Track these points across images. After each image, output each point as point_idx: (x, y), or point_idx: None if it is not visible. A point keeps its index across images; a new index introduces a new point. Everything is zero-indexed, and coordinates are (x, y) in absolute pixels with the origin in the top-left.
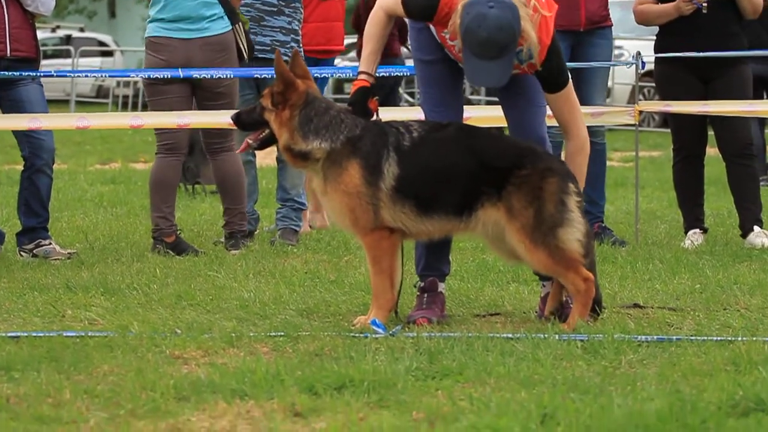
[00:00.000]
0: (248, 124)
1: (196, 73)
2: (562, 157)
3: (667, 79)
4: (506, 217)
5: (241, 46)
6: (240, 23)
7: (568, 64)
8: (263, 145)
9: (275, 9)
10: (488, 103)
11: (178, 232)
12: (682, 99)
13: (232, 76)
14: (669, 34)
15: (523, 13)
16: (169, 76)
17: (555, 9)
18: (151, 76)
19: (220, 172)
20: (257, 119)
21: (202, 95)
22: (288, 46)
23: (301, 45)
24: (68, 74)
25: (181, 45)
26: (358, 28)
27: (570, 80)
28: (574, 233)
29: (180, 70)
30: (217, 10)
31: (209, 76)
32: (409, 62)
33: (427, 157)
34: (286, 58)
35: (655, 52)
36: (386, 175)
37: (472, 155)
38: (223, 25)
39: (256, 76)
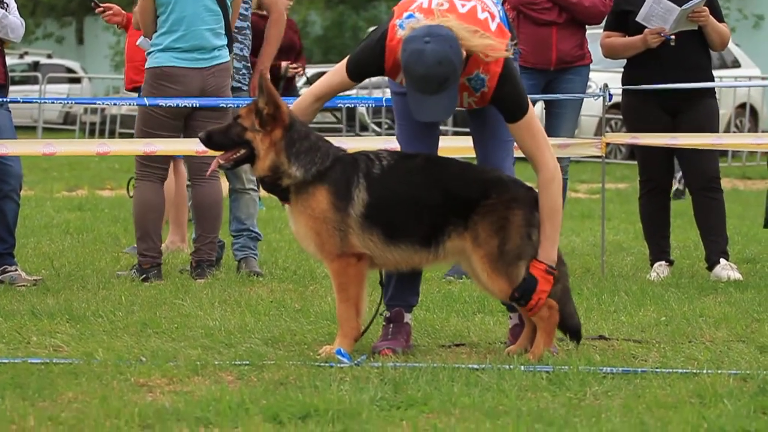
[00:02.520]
0: (223, 144)
1: (181, 102)
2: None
3: (634, 111)
4: (472, 245)
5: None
6: (232, 53)
7: (535, 96)
8: (237, 164)
9: None
10: (456, 133)
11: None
12: (649, 132)
13: (228, 105)
14: (636, 67)
15: (466, 35)
16: (176, 105)
17: (507, 37)
18: (159, 105)
19: (200, 199)
20: (235, 139)
21: (195, 124)
22: (241, 72)
23: (251, 71)
24: (35, 101)
25: (197, 74)
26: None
27: (532, 110)
28: None
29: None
30: (224, 41)
31: (192, 105)
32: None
33: (395, 185)
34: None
35: (623, 84)
36: (356, 201)
37: (439, 185)
38: (227, 54)
39: (221, 105)
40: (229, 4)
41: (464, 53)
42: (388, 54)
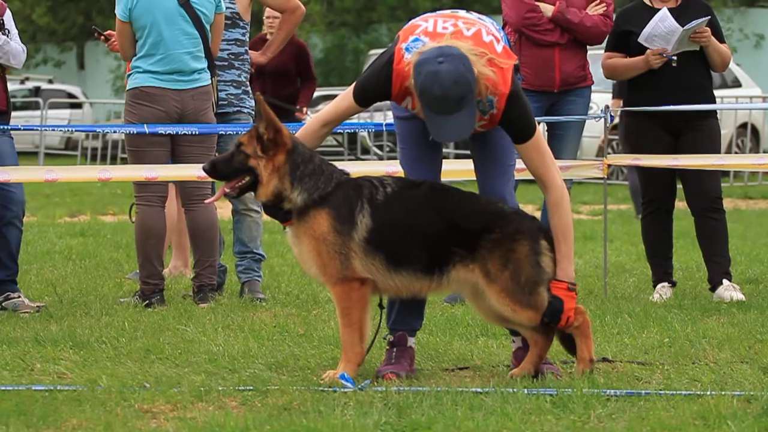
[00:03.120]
0: (227, 174)
1: (181, 130)
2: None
3: (635, 132)
4: (485, 281)
5: (214, 98)
6: (215, 77)
7: (538, 118)
8: (242, 192)
9: (226, 63)
10: (457, 156)
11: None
12: (650, 153)
13: (228, 132)
14: (638, 88)
15: (473, 59)
16: (175, 132)
17: (514, 59)
18: (147, 128)
19: (195, 224)
20: (238, 167)
21: (180, 149)
22: (240, 98)
23: (251, 96)
24: (36, 128)
25: (176, 95)
26: None
27: (538, 130)
28: None
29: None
30: (204, 64)
31: (191, 132)
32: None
33: (398, 213)
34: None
35: (624, 105)
36: (359, 226)
37: (442, 215)
38: (208, 77)
39: (220, 132)
40: (207, 28)
41: (476, 72)
42: (395, 78)
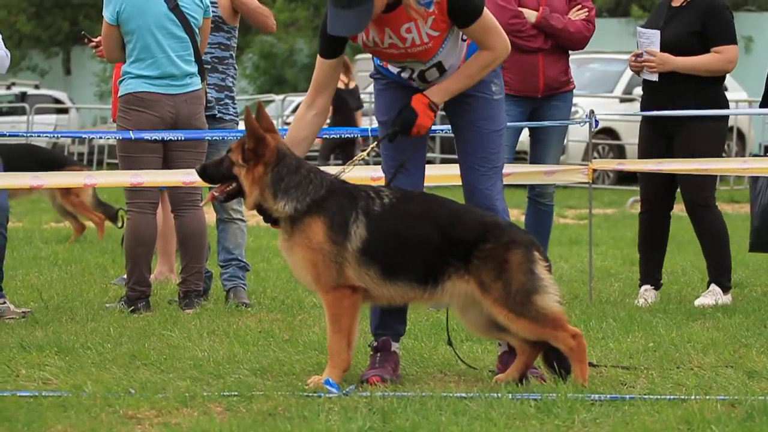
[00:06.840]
0: (215, 178)
1: (171, 135)
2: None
3: (641, 137)
4: (479, 291)
5: (205, 101)
6: (205, 81)
7: (521, 123)
8: (229, 198)
9: (209, 66)
10: (443, 161)
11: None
12: (647, 155)
13: (213, 138)
14: (643, 93)
15: None
16: (161, 138)
17: None
18: (132, 135)
19: (184, 229)
20: (225, 173)
21: (172, 154)
22: (222, 102)
23: (235, 102)
24: (22, 134)
25: (170, 100)
26: None
27: (486, 9)
28: (551, 297)
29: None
30: (195, 68)
31: (177, 138)
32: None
33: (394, 224)
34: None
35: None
36: (353, 236)
37: (437, 227)
38: (199, 81)
39: (207, 138)
40: (197, 31)
41: None
42: None
